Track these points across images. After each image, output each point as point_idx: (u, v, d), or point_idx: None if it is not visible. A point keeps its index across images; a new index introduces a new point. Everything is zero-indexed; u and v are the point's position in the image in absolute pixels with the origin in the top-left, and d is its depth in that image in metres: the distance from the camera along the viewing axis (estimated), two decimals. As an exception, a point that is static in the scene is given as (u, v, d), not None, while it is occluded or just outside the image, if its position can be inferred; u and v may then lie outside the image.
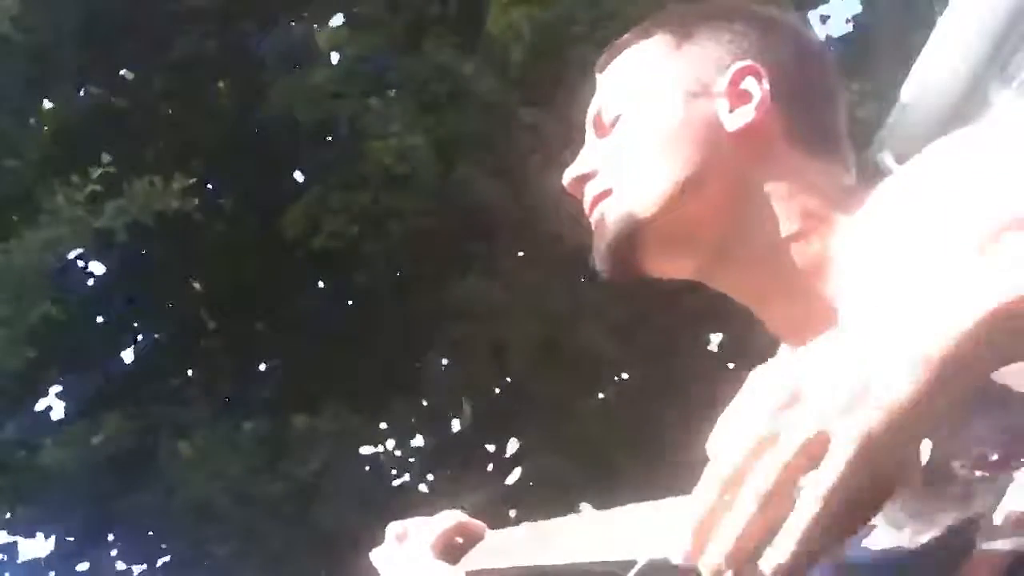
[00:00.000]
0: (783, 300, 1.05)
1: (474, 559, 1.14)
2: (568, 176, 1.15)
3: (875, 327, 0.70)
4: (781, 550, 0.65)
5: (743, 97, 1.08)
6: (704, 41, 1.12)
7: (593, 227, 1.13)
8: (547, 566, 1.01)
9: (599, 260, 1.12)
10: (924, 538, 0.68)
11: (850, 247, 1.01)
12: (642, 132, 1.11)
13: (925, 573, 0.69)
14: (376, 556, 1.20)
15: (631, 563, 0.80)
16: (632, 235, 1.09)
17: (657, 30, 1.15)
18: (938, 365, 0.66)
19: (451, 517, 1.19)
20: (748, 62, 1.09)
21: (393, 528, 1.20)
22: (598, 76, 1.19)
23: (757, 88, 1.08)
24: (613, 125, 1.13)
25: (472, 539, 1.17)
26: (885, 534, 0.70)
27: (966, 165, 0.90)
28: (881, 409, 0.66)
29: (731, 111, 1.08)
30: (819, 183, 1.07)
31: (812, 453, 0.66)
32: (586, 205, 1.14)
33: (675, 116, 1.09)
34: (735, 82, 1.09)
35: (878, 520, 0.68)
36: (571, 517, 1.04)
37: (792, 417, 0.67)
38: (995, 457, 0.68)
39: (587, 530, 0.99)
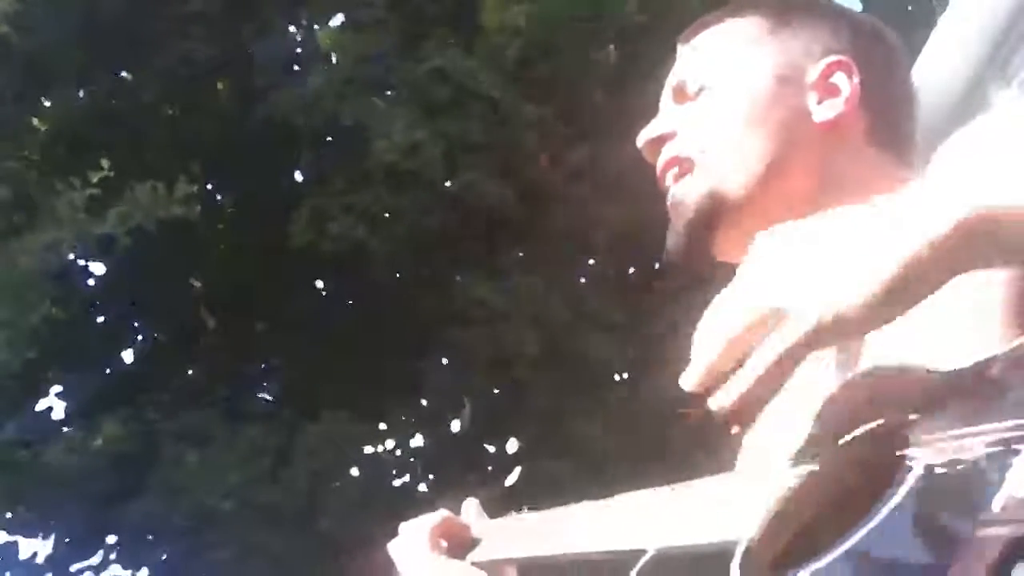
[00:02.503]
0: None
1: (482, 549, 1.15)
2: (644, 136, 1.16)
3: (857, 221, 0.74)
4: (737, 383, 0.74)
5: (832, 90, 1.11)
6: (798, 30, 1.14)
7: (671, 205, 1.13)
8: (555, 556, 1.01)
9: (674, 240, 1.13)
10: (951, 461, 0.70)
11: None
12: (730, 107, 1.12)
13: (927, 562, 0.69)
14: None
15: (640, 552, 0.80)
16: (712, 217, 1.10)
17: (753, 12, 1.16)
18: (899, 267, 0.70)
19: (441, 515, 1.21)
20: (840, 57, 1.12)
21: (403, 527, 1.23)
22: (681, 47, 1.19)
23: (847, 83, 1.10)
24: (698, 95, 1.14)
25: (456, 538, 1.18)
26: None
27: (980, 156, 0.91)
28: (837, 301, 0.71)
29: (820, 102, 1.10)
30: (892, 179, 1.08)
31: (772, 324, 0.73)
32: (660, 165, 1.15)
33: (764, 97, 1.11)
34: (826, 75, 1.11)
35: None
36: (579, 505, 1.04)
37: (764, 295, 0.75)
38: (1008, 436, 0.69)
39: (595, 519, 1.00)
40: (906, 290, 0.71)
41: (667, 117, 1.16)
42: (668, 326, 8.90)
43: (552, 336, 8.43)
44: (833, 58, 1.12)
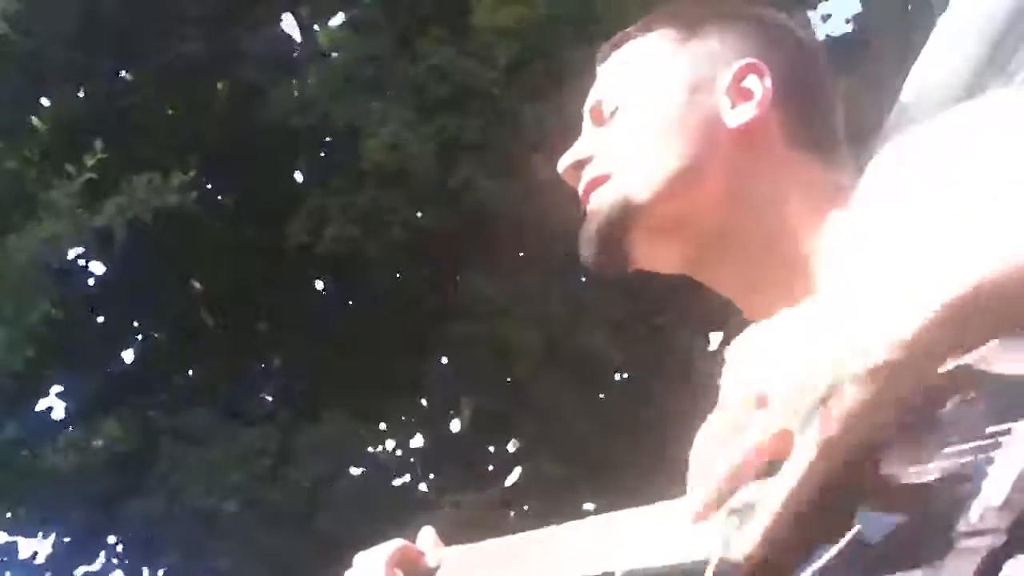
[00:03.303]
0: (769, 294, 1.05)
1: None
2: (564, 162, 1.15)
3: (835, 329, 0.72)
4: (746, 539, 0.70)
5: (744, 94, 1.09)
6: (708, 38, 1.13)
7: (587, 213, 1.13)
8: None
9: (585, 245, 1.12)
10: (925, 479, 0.69)
11: (837, 242, 1.02)
12: (642, 123, 1.12)
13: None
14: None
15: (609, 575, 0.80)
16: (623, 221, 1.09)
17: (661, 25, 1.16)
18: (889, 369, 0.70)
19: (396, 544, 1.17)
20: (751, 60, 1.10)
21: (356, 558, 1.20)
22: (599, 67, 1.19)
23: (759, 86, 1.09)
24: (612, 115, 1.14)
25: (411, 567, 1.16)
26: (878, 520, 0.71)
27: (950, 155, 0.90)
28: (839, 418, 0.70)
29: (732, 107, 1.09)
30: (814, 181, 1.08)
31: (775, 448, 0.71)
32: (581, 190, 1.14)
33: (676, 109, 1.10)
34: (738, 78, 1.10)
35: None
36: (544, 530, 1.03)
37: (760, 418, 0.72)
38: (984, 443, 0.69)
39: (559, 544, 0.99)
40: (911, 376, 0.71)
41: (585, 141, 1.16)
42: (668, 325, 8.92)
43: (552, 335, 8.43)
44: (744, 61, 1.10)
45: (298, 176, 9.88)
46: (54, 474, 8.01)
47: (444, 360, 9.53)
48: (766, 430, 0.71)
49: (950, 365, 0.71)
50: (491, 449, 9.81)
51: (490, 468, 9.63)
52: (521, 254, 9.06)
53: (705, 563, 0.70)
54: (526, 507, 8.93)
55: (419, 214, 8.51)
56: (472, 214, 8.47)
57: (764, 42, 1.12)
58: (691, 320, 8.90)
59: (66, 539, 9.03)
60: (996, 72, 6.05)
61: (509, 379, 9.11)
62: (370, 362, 8.95)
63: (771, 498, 0.70)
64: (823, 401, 0.70)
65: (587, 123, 1.17)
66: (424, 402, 9.65)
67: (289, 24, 10.07)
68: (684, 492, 0.92)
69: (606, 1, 8.06)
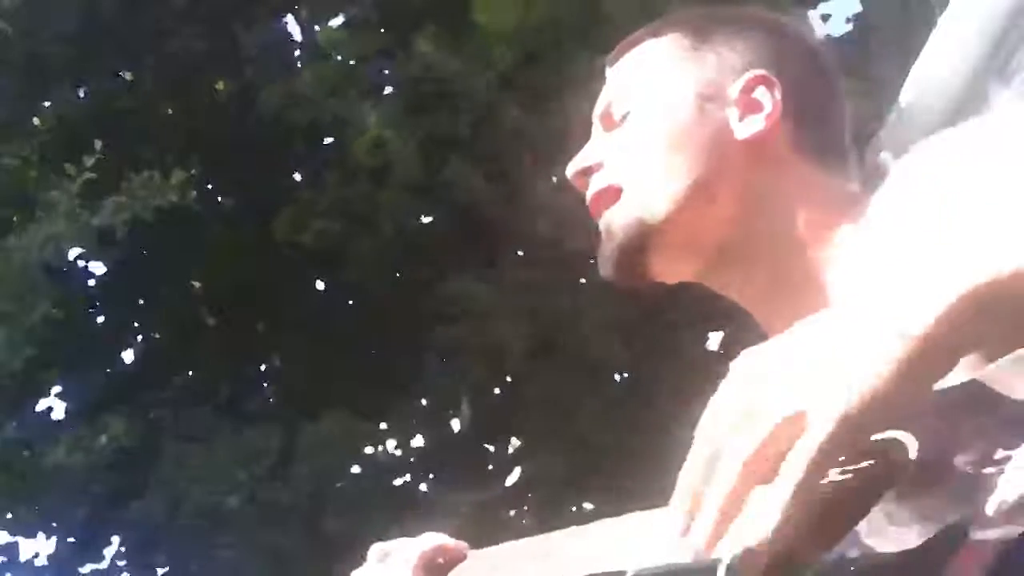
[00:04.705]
0: (783, 304, 1.05)
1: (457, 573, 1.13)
2: (572, 168, 1.15)
3: (857, 310, 0.71)
4: (761, 526, 0.65)
5: (754, 106, 1.09)
6: (719, 46, 1.12)
7: (601, 230, 1.13)
8: None
9: (605, 264, 1.12)
10: (925, 535, 0.69)
11: (850, 253, 1.02)
12: (652, 131, 1.11)
13: (918, 567, 0.69)
14: None
15: (620, 573, 0.80)
16: (639, 240, 1.09)
17: (672, 30, 1.15)
18: (916, 345, 0.67)
19: (433, 539, 1.15)
20: (762, 71, 1.10)
21: (376, 549, 1.15)
22: (608, 70, 1.18)
23: (769, 98, 1.09)
24: (622, 120, 1.14)
25: (453, 561, 1.14)
26: (887, 533, 0.70)
27: (960, 169, 0.90)
28: (859, 390, 0.66)
29: (741, 119, 1.09)
30: (824, 192, 1.08)
31: (790, 433, 0.67)
32: (588, 197, 1.14)
33: (686, 118, 1.10)
34: (747, 90, 1.10)
35: (878, 518, 0.69)
36: (560, 532, 1.03)
37: (771, 394, 0.68)
38: (1000, 454, 0.69)
39: (575, 544, 0.99)
40: (928, 366, 0.67)
41: (595, 146, 1.15)
42: (668, 324, 8.92)
43: (551, 334, 8.42)
44: (754, 73, 1.10)
45: (297, 176, 9.89)
46: (56, 475, 8.01)
47: (444, 359, 9.53)
48: (778, 411, 0.67)
49: (961, 379, 0.70)
50: (491, 449, 9.81)
51: (490, 468, 9.63)
52: (520, 253, 9.06)
53: (718, 561, 0.69)
54: (526, 507, 8.93)
55: (411, 212, 8.51)
56: (467, 212, 8.47)
57: (776, 51, 1.12)
58: (691, 319, 8.89)
59: (69, 540, 9.03)
60: (996, 72, 6.05)
61: (508, 378, 9.11)
62: (370, 361, 8.95)
63: (782, 492, 0.66)
64: (842, 373, 0.67)
65: (597, 128, 1.17)
66: (424, 402, 9.65)
67: (289, 24, 10.08)
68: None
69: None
